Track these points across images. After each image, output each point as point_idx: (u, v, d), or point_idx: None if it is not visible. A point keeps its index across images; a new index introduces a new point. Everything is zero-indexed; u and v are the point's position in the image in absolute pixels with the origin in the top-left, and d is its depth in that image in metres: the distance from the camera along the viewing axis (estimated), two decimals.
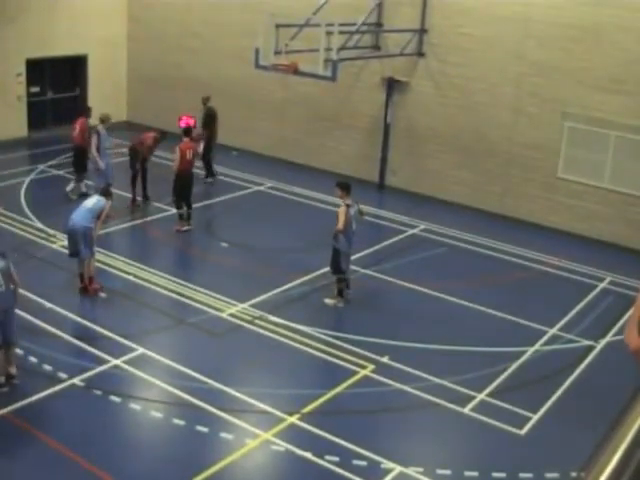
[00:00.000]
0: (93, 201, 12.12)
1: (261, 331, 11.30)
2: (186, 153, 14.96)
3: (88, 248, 11.86)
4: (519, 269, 14.46)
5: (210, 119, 18.21)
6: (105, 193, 12.55)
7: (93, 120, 16.34)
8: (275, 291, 12.59)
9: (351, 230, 12.08)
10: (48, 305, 11.53)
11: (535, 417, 9.49)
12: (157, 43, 22.14)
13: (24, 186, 17.12)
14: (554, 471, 8.48)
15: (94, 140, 15.55)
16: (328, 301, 12.36)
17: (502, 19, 16.39)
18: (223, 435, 8.75)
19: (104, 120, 15.85)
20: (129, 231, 15.44)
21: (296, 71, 15.18)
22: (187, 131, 15.60)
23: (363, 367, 10.42)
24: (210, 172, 18.34)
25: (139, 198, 16.36)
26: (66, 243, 12.38)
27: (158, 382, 9.79)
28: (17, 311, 10.85)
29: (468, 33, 16.87)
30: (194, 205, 15.34)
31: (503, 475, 8.37)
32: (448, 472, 8.40)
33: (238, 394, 9.56)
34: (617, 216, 15.74)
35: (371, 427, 9.17)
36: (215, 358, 10.56)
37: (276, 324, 11.47)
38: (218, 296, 12.24)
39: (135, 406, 9.22)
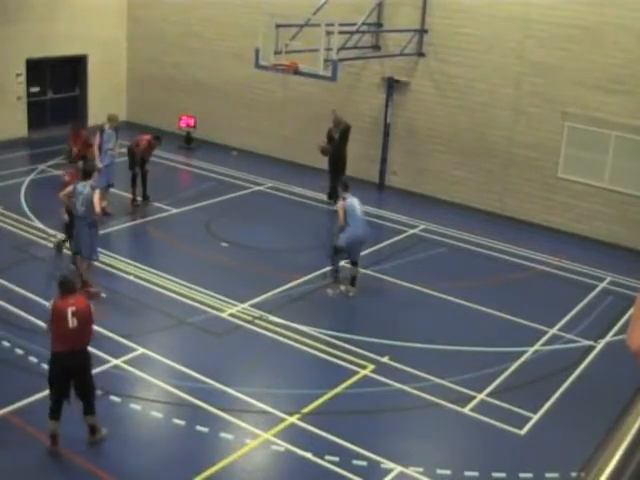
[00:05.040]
0: (85, 192, 11.78)
1: (261, 331, 11.29)
2: None
3: (91, 247, 11.81)
4: (519, 269, 14.46)
5: (347, 134, 16.98)
6: (85, 174, 12.14)
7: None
8: (275, 291, 12.59)
9: (355, 218, 12.36)
10: (48, 305, 11.49)
11: (535, 417, 9.49)
12: (157, 43, 22.14)
13: (24, 186, 17.12)
14: (554, 471, 8.48)
15: (97, 138, 15.48)
16: (329, 291, 12.60)
17: (502, 19, 16.39)
18: (223, 435, 8.75)
19: (110, 119, 15.72)
20: (129, 231, 15.44)
21: (296, 71, 15.19)
22: None
23: (363, 367, 10.41)
24: (334, 194, 16.75)
25: (139, 198, 16.36)
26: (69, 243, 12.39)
27: (158, 382, 9.79)
28: (17, 310, 10.91)
29: (468, 33, 16.87)
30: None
31: (503, 475, 8.37)
32: (448, 472, 8.40)
33: (238, 394, 9.56)
34: (617, 216, 15.74)
35: (371, 427, 9.17)
36: (215, 358, 10.55)
37: (276, 324, 11.47)
38: (218, 296, 12.24)
39: (135, 406, 9.22)
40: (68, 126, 19.30)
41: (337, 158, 16.91)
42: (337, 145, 16.86)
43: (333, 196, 16.93)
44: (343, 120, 16.98)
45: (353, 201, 12.59)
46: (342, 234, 12.37)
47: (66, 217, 12.81)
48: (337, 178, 16.80)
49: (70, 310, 8.02)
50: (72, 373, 8.09)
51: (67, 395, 8.11)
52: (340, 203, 12.57)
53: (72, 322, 8.00)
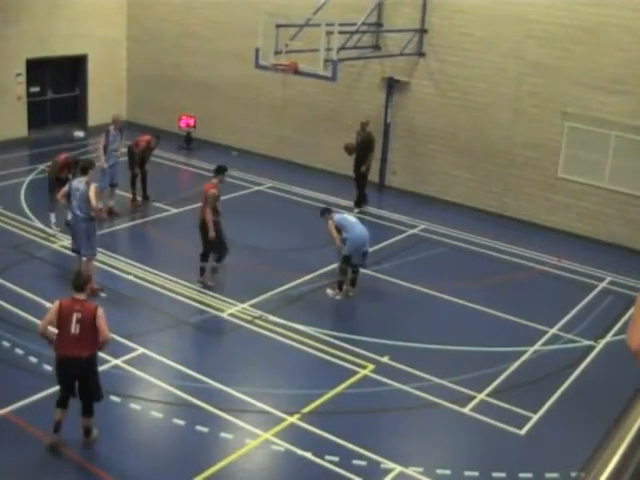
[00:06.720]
0: (81, 188, 11.70)
1: (261, 331, 11.30)
2: None
3: (89, 244, 11.77)
4: (519, 269, 14.46)
5: (369, 144, 16.85)
6: (83, 170, 11.96)
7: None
8: (275, 291, 12.59)
9: (351, 227, 12.39)
10: (48, 305, 11.49)
11: (535, 417, 9.49)
12: (157, 43, 22.14)
13: (24, 186, 17.12)
14: (554, 471, 8.48)
15: (102, 139, 15.50)
16: (329, 291, 12.58)
17: (502, 19, 16.40)
18: (223, 435, 8.75)
19: (115, 121, 15.74)
20: (129, 231, 15.44)
21: (296, 71, 15.19)
22: None
23: (363, 367, 10.41)
24: (364, 199, 17.26)
25: (139, 198, 16.37)
26: (67, 242, 12.33)
27: (158, 382, 9.78)
28: (17, 310, 10.89)
29: (468, 33, 16.87)
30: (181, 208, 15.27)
31: (503, 475, 8.37)
32: (448, 472, 8.40)
33: (238, 394, 9.56)
34: (617, 216, 15.74)
35: (371, 427, 9.17)
36: (215, 358, 10.56)
37: (276, 324, 11.47)
38: (218, 296, 12.24)
39: (135, 406, 9.21)
40: (68, 126, 19.27)
41: (355, 164, 17.02)
42: (357, 151, 16.82)
43: (360, 203, 17.23)
44: (368, 130, 16.93)
45: (341, 215, 12.82)
46: (346, 245, 12.34)
47: (213, 234, 12.19)
48: (358, 185, 17.20)
49: (75, 316, 7.90)
50: (75, 377, 8.10)
51: (73, 394, 8.19)
52: (328, 223, 12.51)
53: (75, 328, 7.89)
